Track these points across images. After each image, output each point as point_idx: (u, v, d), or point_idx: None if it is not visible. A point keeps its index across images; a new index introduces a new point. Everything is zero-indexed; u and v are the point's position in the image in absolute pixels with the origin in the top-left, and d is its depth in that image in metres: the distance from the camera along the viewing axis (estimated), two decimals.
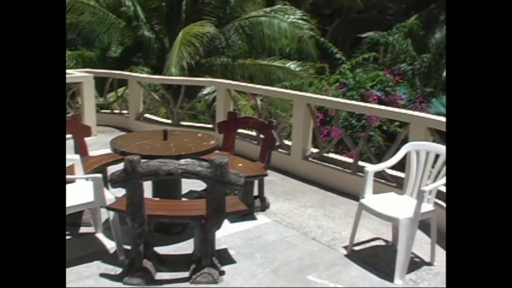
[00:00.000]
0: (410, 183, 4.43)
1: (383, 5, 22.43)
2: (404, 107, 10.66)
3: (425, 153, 4.33)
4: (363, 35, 18.02)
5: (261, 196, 5.41)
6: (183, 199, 5.23)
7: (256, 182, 5.30)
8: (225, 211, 3.76)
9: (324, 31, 19.48)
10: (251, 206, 5.11)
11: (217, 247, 4.18)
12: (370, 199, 4.26)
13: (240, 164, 5.22)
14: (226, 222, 4.75)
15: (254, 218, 5.16)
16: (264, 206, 5.40)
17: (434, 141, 5.01)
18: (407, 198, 4.38)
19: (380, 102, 10.23)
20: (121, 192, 3.91)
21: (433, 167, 4.26)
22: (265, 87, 8.09)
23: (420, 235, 4.56)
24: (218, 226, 3.83)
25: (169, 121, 9.40)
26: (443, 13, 17.17)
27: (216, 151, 4.88)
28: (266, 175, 5.25)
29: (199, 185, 5.39)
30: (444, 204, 4.97)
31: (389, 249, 4.54)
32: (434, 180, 4.18)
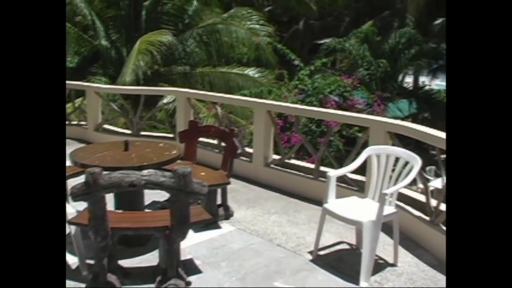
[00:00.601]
0: (371, 187, 4.51)
1: (339, 12, 22.78)
2: (362, 111, 10.86)
3: (385, 157, 4.41)
4: (320, 42, 18.26)
5: (224, 204, 5.40)
6: (147, 210, 5.16)
7: (219, 190, 5.28)
8: (189, 221, 3.73)
9: (281, 38, 19.65)
10: (215, 214, 5.09)
11: (182, 258, 4.14)
12: (333, 203, 4.31)
13: (203, 173, 5.19)
14: (190, 232, 4.68)
15: (218, 227, 5.14)
16: (228, 215, 5.39)
17: (393, 145, 5.11)
18: (369, 201, 4.45)
19: (339, 107, 10.40)
20: (82, 205, 3.83)
21: (393, 170, 4.34)
22: (225, 95, 8.10)
23: (383, 237, 4.63)
24: (183, 236, 3.79)
25: (128, 131, 9.28)
26: (396, 20, 17.60)
27: (178, 161, 4.84)
28: (229, 183, 5.24)
29: (162, 196, 5.33)
30: (405, 206, 5.08)
31: (354, 253, 4.59)
32: (395, 183, 4.26)
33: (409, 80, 21.53)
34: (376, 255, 4.39)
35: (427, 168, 10.82)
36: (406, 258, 4.54)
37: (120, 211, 4.54)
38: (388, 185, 4.31)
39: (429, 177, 9.77)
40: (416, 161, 4.17)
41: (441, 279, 4.17)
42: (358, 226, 4.22)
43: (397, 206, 4.42)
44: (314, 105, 9.79)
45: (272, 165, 6.72)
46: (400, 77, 20.01)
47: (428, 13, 16.94)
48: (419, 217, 4.89)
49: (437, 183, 7.89)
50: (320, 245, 4.56)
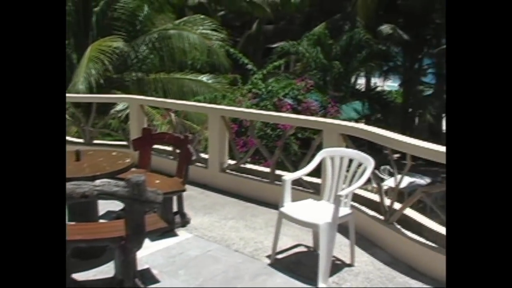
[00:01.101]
0: (326, 189, 4.55)
1: (291, 16, 23.00)
2: (317, 113, 10.99)
3: (339, 159, 4.47)
4: (274, 45, 18.39)
5: (181, 211, 5.35)
6: (101, 220, 5.06)
7: (175, 198, 5.23)
8: (145, 230, 3.68)
9: (235, 43, 19.68)
10: (172, 222, 5.03)
11: (139, 268, 4.07)
12: (289, 207, 4.33)
13: (158, 181, 5.13)
14: (146, 241, 4.62)
15: (175, 235, 5.09)
16: (185, 222, 5.34)
17: (347, 147, 5.18)
18: (324, 203, 4.50)
19: (294, 110, 10.48)
20: None
21: (347, 171, 4.40)
22: (178, 102, 8.05)
23: (339, 238, 4.69)
24: (139, 246, 3.74)
25: (81, 140, 9.07)
26: (347, 23, 17.91)
27: (133, 169, 4.77)
28: (184, 190, 5.20)
29: (117, 205, 5.23)
30: (360, 206, 5.16)
31: (311, 255, 4.62)
32: (349, 184, 4.32)
33: (362, 81, 21.95)
34: (334, 256, 4.44)
35: (381, 168, 11.04)
36: (362, 257, 4.60)
37: (73, 223, 4.43)
38: (343, 187, 4.36)
39: (383, 177, 9.98)
40: (369, 162, 4.25)
41: (396, 275, 4.28)
42: (314, 228, 4.25)
43: (352, 206, 4.48)
44: (269, 109, 9.85)
45: (228, 171, 6.71)
46: (353, 79, 20.38)
47: (377, 17, 17.31)
48: (374, 217, 4.97)
49: (391, 182, 8.05)
50: (278, 249, 4.57)
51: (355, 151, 4.57)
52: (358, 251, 4.64)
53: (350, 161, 4.42)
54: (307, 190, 5.70)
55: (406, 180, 13.32)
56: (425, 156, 4.33)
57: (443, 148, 4.19)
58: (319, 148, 5.15)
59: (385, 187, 6.38)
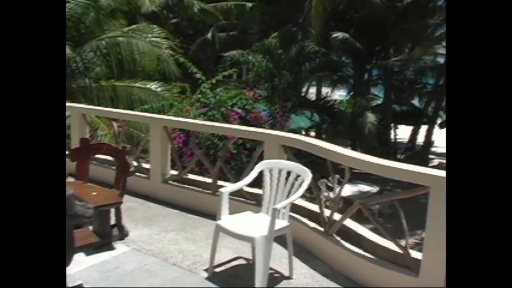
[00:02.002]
0: (265, 201, 4.52)
1: (244, 25, 23.06)
2: (265, 123, 11.00)
3: (277, 171, 4.45)
4: (225, 54, 18.39)
5: (118, 224, 5.20)
6: None
7: (112, 210, 5.09)
8: (73, 246, 3.54)
9: (187, 50, 19.57)
10: (109, 235, 4.89)
11: (71, 284, 3.91)
12: (226, 220, 4.27)
13: (94, 193, 4.98)
14: (81, 256, 4.50)
15: (112, 248, 4.94)
16: (123, 235, 5.20)
17: (288, 159, 5.17)
18: (263, 215, 4.46)
19: (242, 119, 10.45)
20: None
21: (286, 183, 4.38)
22: (121, 111, 7.89)
23: (280, 250, 4.67)
24: (67, 262, 3.59)
25: None
26: (300, 33, 18.07)
27: (70, 180, 4.62)
28: (121, 202, 5.06)
29: None
30: (301, 218, 5.15)
31: (250, 267, 4.55)
32: (287, 197, 4.30)
33: (314, 91, 22.19)
34: (273, 269, 4.42)
35: (330, 178, 11.09)
36: (301, 269, 4.59)
37: None
38: (281, 199, 4.34)
39: (332, 186, 9.98)
40: (307, 175, 4.24)
41: (335, 287, 4.28)
42: (250, 242, 4.20)
43: (293, 218, 4.48)
44: (217, 119, 9.79)
45: (170, 181, 6.59)
46: (304, 89, 20.58)
47: (329, 27, 17.53)
48: (314, 228, 4.96)
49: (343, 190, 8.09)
50: (216, 262, 4.50)
51: (294, 163, 4.56)
52: (298, 263, 4.63)
53: (289, 173, 4.40)
54: (249, 201, 5.66)
55: (357, 189, 13.61)
56: (361, 168, 4.38)
57: (378, 160, 4.25)
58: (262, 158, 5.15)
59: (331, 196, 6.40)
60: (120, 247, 5.00)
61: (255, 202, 5.56)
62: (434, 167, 20.89)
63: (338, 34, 16.83)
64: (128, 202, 5.24)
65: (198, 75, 11.85)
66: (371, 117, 15.96)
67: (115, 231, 5.12)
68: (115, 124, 7.64)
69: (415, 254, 4.13)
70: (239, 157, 9.36)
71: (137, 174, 6.74)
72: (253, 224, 4.26)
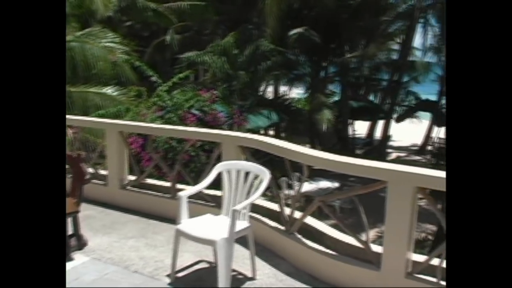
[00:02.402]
0: (225, 203, 4.49)
1: (199, 26, 22.90)
2: (224, 124, 10.96)
3: (235, 172, 4.42)
4: (181, 56, 18.24)
5: (76, 234, 5.07)
6: None
7: (69, 220, 4.95)
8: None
9: (142, 53, 19.32)
10: (66, 247, 4.76)
11: None
12: (186, 224, 4.21)
13: None
14: None
15: (70, 259, 4.80)
16: (81, 244, 5.07)
17: (246, 159, 5.15)
18: (223, 218, 4.42)
19: (200, 121, 10.38)
20: None
21: (246, 184, 4.36)
22: (74, 117, 7.69)
23: (242, 251, 4.65)
24: None
25: None
26: (255, 31, 18.09)
27: None
28: (78, 211, 4.93)
29: None
30: (260, 217, 5.13)
31: (213, 270, 4.50)
32: (247, 197, 4.28)
33: (271, 90, 22.28)
34: (235, 270, 4.40)
35: (289, 176, 11.13)
36: (264, 269, 4.58)
37: None
38: (241, 200, 4.31)
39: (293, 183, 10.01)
40: (265, 174, 4.24)
41: (298, 286, 4.28)
42: (211, 245, 4.15)
43: (254, 218, 4.46)
44: (174, 121, 9.69)
45: (128, 187, 6.48)
46: (262, 88, 20.62)
47: (284, 26, 17.61)
48: (275, 227, 4.96)
49: (306, 187, 8.12)
50: (179, 267, 4.44)
51: (251, 163, 4.54)
52: (260, 263, 4.61)
53: (247, 173, 4.38)
54: (209, 204, 5.61)
55: (317, 185, 13.72)
56: (319, 165, 4.40)
57: (336, 157, 4.28)
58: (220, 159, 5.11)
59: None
60: (79, 257, 4.87)
61: (215, 204, 5.52)
62: (391, 160, 21.32)
63: (296, 31, 16.92)
64: (86, 211, 5.12)
65: (154, 78, 11.68)
66: (328, 113, 16.12)
67: (73, 241, 5.00)
68: (69, 131, 7.46)
69: (376, 248, 4.18)
70: (197, 159, 9.28)
71: (94, 181, 6.60)
72: (214, 226, 4.21)
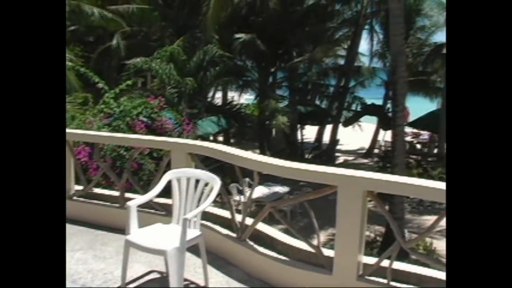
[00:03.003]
0: (175, 211, 4.43)
1: (147, 32, 22.61)
2: (172, 131, 10.83)
3: (185, 180, 4.37)
4: (128, 62, 17.95)
5: None
6: None
7: None
8: None
9: (88, 59, 18.90)
10: None
11: None
12: (136, 234, 4.12)
13: None
14: None
15: None
16: None
17: (196, 166, 5.10)
18: (174, 226, 4.36)
19: (149, 129, 10.22)
20: None
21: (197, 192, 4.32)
22: None
23: (194, 260, 4.59)
24: None
25: None
26: (204, 37, 18.00)
27: None
28: None
29: None
30: (211, 225, 5.09)
31: (165, 280, 4.43)
32: (198, 205, 4.23)
33: (220, 96, 22.26)
34: (188, 280, 4.35)
35: (241, 181, 11.10)
36: (217, 278, 4.54)
37: None
38: (191, 208, 4.27)
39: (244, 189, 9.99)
40: (216, 182, 4.21)
41: None
42: (162, 255, 4.08)
43: (205, 226, 4.42)
44: (122, 129, 9.48)
45: (75, 197, 6.29)
46: (210, 94, 20.56)
47: (231, 32, 17.64)
48: (226, 235, 4.93)
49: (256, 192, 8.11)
50: (129, 278, 4.35)
51: (201, 171, 4.51)
52: (213, 271, 4.58)
53: (197, 181, 4.34)
54: (159, 212, 5.53)
55: (268, 190, 13.75)
56: (269, 171, 4.41)
57: (286, 163, 4.29)
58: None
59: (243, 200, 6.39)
60: None
61: (166, 213, 5.43)
62: (340, 164, 21.67)
63: (242, 35, 16.98)
64: None
65: (100, 85, 11.39)
66: (281, 118, 16.22)
67: None
68: None
69: (328, 251, 4.21)
70: (147, 168, 9.12)
71: None
72: (164, 236, 4.14)
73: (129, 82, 12.08)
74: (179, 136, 10.93)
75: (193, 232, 4.10)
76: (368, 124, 26.18)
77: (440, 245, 12.31)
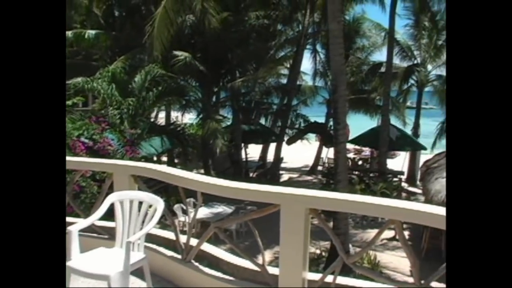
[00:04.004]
0: (118, 235, 4.35)
1: (88, 51, 22.21)
2: (115, 152, 10.67)
3: (129, 202, 4.31)
4: (68, 82, 17.56)
5: None
6: None
7: None
8: None
9: None
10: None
11: None
12: (77, 260, 4.02)
13: None
14: None
15: None
16: None
17: (139, 188, 5.05)
18: (117, 250, 4.28)
19: (91, 150, 10.03)
20: None
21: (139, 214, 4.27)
22: None
23: (138, 283, 4.51)
24: None
25: None
26: (146, 57, 17.88)
27: None
28: None
29: None
30: (156, 247, 5.03)
31: None
32: (141, 228, 4.18)
33: (164, 116, 22.08)
34: None
35: (187, 200, 11.00)
36: None
37: None
38: (135, 231, 4.21)
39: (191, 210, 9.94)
40: (159, 203, 4.17)
41: None
42: (105, 280, 3.99)
43: (149, 249, 4.36)
44: None
45: None
46: (153, 114, 20.36)
47: (174, 52, 17.59)
48: (171, 257, 4.89)
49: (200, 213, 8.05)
50: None
51: (144, 192, 4.47)
52: None
53: (141, 203, 4.30)
54: (102, 236, 5.41)
55: (213, 210, 13.72)
56: (213, 192, 4.42)
57: (230, 183, 4.32)
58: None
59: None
60: None
61: (109, 237, 5.32)
62: (284, 182, 21.87)
63: (181, 54, 16.98)
64: None
65: None
66: (221, 138, 16.25)
67: None
68: None
69: (273, 269, 4.24)
70: (88, 190, 8.93)
71: None
72: (107, 260, 4.06)
73: (69, 102, 11.82)
74: (122, 158, 10.78)
75: (137, 255, 4.05)
76: (312, 142, 26.65)
77: (383, 257, 12.62)
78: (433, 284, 3.60)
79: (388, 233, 13.03)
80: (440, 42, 23.65)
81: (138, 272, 4.19)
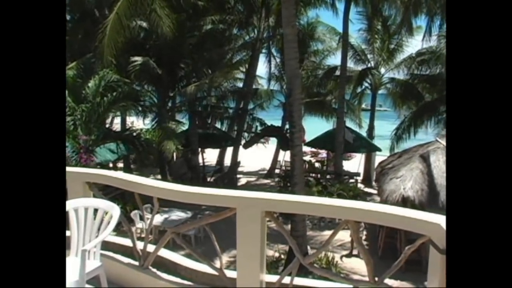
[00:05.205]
0: (73, 243, 4.29)
1: None
2: (68, 160, 10.47)
3: (83, 210, 4.26)
4: None
5: None
6: None
7: None
8: None
9: None
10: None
11: None
12: None
13: None
14: None
15: None
16: None
17: (94, 195, 4.98)
18: (72, 259, 4.22)
19: None
20: None
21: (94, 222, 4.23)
22: None
23: None
24: None
25: None
26: (99, 62, 17.61)
27: None
28: None
29: None
30: (113, 254, 4.98)
31: None
32: (97, 235, 4.14)
33: (119, 121, 21.76)
34: None
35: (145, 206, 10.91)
36: None
37: None
38: (90, 239, 4.16)
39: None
40: (115, 210, 4.15)
41: None
42: None
43: (106, 256, 4.31)
44: None
45: None
46: (108, 120, 20.04)
47: (128, 57, 17.39)
48: (128, 263, 4.84)
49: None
50: None
51: (100, 199, 4.43)
52: None
53: (96, 210, 4.25)
54: None
55: (170, 216, 13.62)
56: (169, 197, 4.42)
57: (186, 188, 4.32)
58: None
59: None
60: None
61: None
62: (242, 186, 21.92)
63: (137, 59, 16.84)
64: None
65: None
66: (175, 143, 16.15)
67: None
68: None
69: (231, 273, 4.27)
70: None
71: None
72: None
73: None
74: (76, 165, 10.58)
75: (93, 264, 4.01)
76: (270, 145, 26.80)
77: (344, 259, 12.84)
78: (387, 281, 3.71)
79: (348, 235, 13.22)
80: (392, 46, 24.17)
81: (94, 281, 4.14)
